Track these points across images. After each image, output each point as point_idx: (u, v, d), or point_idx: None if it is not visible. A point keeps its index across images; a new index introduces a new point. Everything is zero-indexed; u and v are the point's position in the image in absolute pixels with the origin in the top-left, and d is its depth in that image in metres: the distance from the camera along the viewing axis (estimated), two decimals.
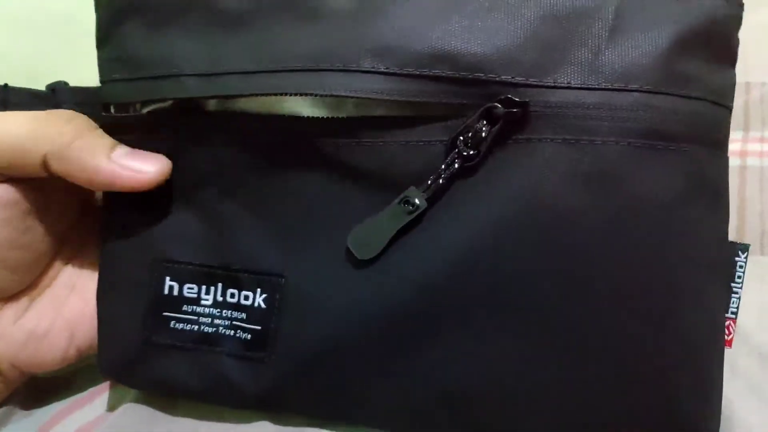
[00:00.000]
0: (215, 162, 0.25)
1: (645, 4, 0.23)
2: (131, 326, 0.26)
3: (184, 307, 0.26)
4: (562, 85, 0.22)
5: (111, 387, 0.30)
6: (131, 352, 0.26)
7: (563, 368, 0.23)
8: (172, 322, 0.26)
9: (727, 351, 0.29)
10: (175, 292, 0.26)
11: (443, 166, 0.23)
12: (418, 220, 0.23)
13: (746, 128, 0.44)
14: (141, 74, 0.25)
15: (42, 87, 0.28)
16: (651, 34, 0.22)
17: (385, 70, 0.23)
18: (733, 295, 0.25)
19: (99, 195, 0.29)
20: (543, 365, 0.23)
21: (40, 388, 0.30)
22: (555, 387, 0.23)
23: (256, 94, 0.23)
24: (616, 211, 0.22)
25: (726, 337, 0.25)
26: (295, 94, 0.23)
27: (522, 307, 0.23)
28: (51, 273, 0.28)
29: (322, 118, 0.24)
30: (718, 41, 0.24)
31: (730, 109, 0.24)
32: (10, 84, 0.27)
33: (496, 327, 0.23)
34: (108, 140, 0.25)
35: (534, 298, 0.23)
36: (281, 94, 0.23)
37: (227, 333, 0.25)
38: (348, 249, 0.24)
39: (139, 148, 0.26)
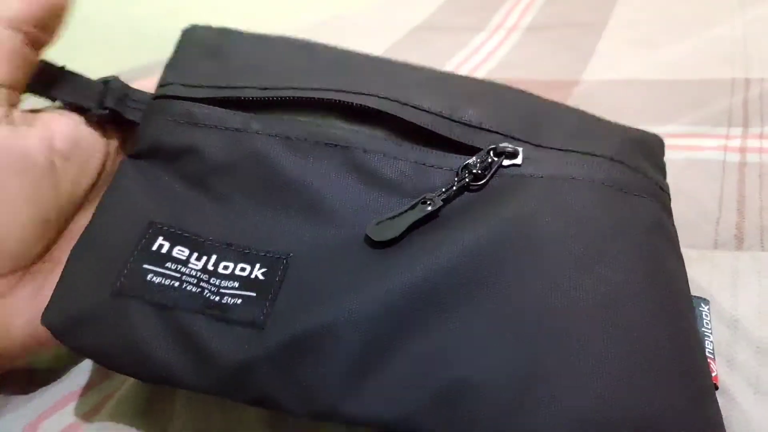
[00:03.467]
0: (248, 153, 0.27)
1: (597, 120, 0.32)
2: (98, 279, 0.23)
3: (168, 264, 0.23)
4: (547, 146, 0.29)
5: (85, 392, 0.29)
6: (92, 304, 0.23)
7: (558, 362, 0.22)
8: (150, 275, 0.23)
9: (726, 346, 0.29)
10: (164, 250, 0.24)
11: (456, 180, 0.27)
12: (431, 218, 0.26)
13: (745, 125, 0.44)
14: (202, 83, 0.29)
15: None
16: (605, 137, 0.30)
17: (428, 110, 0.28)
18: (705, 338, 0.27)
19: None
20: (540, 361, 0.22)
21: (33, 380, 0.30)
22: (552, 379, 0.22)
23: (320, 98, 0.28)
24: (593, 235, 0.25)
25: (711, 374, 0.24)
26: (348, 103, 0.28)
27: (507, 304, 0.23)
28: (65, 242, 0.27)
29: (356, 129, 0.28)
30: (652, 152, 0.31)
31: (669, 204, 0.29)
32: None
33: (496, 314, 0.23)
34: None
35: (518, 297, 0.23)
36: (337, 101, 0.28)
37: (213, 298, 0.23)
38: (361, 240, 0.25)
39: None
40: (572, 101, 0.51)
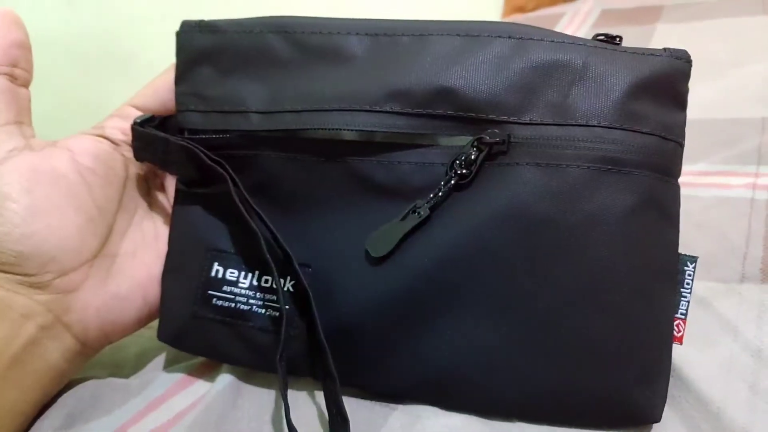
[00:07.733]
0: (264, 175, 0.31)
1: (607, 58, 0.28)
2: (184, 303, 0.32)
3: (224, 288, 0.31)
4: (536, 122, 0.28)
5: (183, 388, 0.33)
6: (183, 323, 0.32)
7: (530, 352, 0.28)
8: (214, 300, 0.31)
9: (728, 353, 0.31)
10: (219, 275, 0.31)
11: (443, 183, 0.28)
12: (421, 225, 0.29)
13: (759, 163, 0.45)
14: (213, 108, 0.32)
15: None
16: (610, 81, 0.28)
17: (400, 111, 0.29)
18: (682, 299, 0.28)
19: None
20: (515, 347, 0.28)
21: (117, 387, 0.32)
22: (523, 368, 0.28)
23: (307, 129, 0.30)
24: (578, 220, 0.27)
25: (676, 334, 0.29)
26: (333, 129, 0.29)
27: (500, 296, 0.28)
28: (114, 240, 0.32)
29: (352, 141, 0.30)
30: (666, 89, 0.28)
31: (680, 144, 0.29)
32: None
33: (479, 312, 0.28)
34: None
35: (509, 288, 0.28)
36: (324, 129, 0.30)
37: (259, 311, 0.31)
38: (365, 249, 0.29)
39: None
40: None
